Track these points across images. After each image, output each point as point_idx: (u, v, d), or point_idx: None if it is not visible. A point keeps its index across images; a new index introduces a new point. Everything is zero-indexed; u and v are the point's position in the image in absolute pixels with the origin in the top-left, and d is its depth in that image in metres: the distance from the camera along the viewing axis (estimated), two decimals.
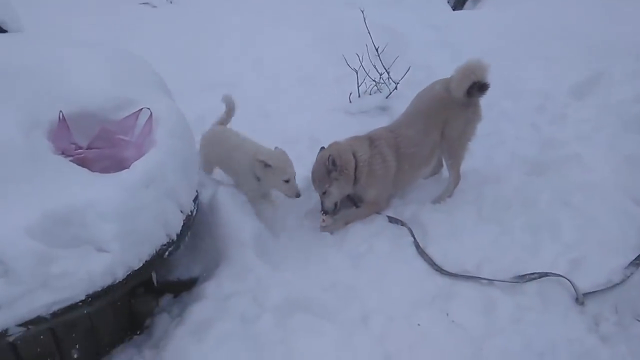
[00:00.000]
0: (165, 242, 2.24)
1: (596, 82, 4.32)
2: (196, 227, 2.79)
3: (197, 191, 2.65)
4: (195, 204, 2.57)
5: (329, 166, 3.02)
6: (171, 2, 7.32)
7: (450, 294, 2.63)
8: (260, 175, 3.03)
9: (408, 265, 2.80)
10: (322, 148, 3.18)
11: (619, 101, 3.99)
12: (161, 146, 2.35)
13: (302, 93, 4.78)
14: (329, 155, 3.01)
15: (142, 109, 2.45)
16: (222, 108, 4.56)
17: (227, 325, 2.35)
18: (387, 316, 2.50)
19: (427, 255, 2.82)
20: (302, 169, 3.29)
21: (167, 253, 2.26)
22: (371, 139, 3.17)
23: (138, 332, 2.57)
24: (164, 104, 2.56)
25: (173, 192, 2.32)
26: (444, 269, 2.75)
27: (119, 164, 2.31)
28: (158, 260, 2.21)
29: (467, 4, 6.66)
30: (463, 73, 3.04)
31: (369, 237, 3.04)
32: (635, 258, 2.54)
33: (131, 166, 2.25)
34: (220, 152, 3.26)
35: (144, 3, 7.18)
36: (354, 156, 3.08)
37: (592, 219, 2.89)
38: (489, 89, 3.12)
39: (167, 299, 2.71)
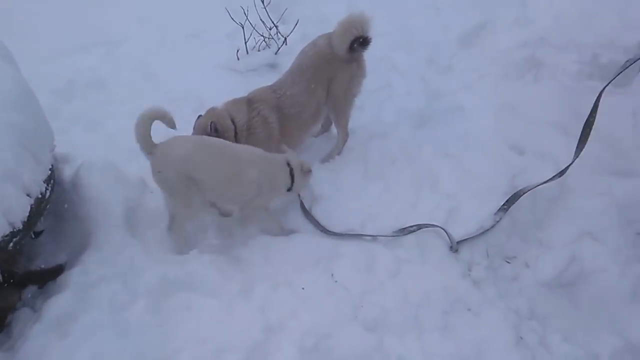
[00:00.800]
0: (7, 232, 2.00)
1: (482, 31, 4.38)
2: (57, 208, 2.55)
3: (51, 169, 2.38)
4: (48, 184, 2.31)
5: (212, 133, 2.81)
6: None
7: (335, 254, 2.62)
8: (301, 184, 2.77)
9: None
10: (200, 116, 2.98)
11: (503, 49, 4.08)
12: None
13: (189, 51, 4.49)
14: (211, 122, 2.81)
15: None
16: (99, 70, 4.20)
17: (94, 315, 2.19)
18: (271, 284, 2.46)
19: (312, 217, 2.77)
20: (189, 134, 3.08)
21: (11, 244, 2.02)
22: (250, 101, 3.00)
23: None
24: None
25: (13, 173, 2.06)
26: (329, 229, 2.73)
27: None
28: (1, 253, 1.97)
29: None
30: (344, 27, 2.92)
31: None
32: (504, 203, 2.65)
33: None
34: (217, 169, 2.61)
35: None
36: (232, 121, 2.91)
37: (469, 169, 2.97)
38: (371, 43, 3.02)
39: (31, 291, 2.48)
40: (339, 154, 3.29)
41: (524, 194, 2.64)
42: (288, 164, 2.69)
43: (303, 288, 2.44)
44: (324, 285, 2.47)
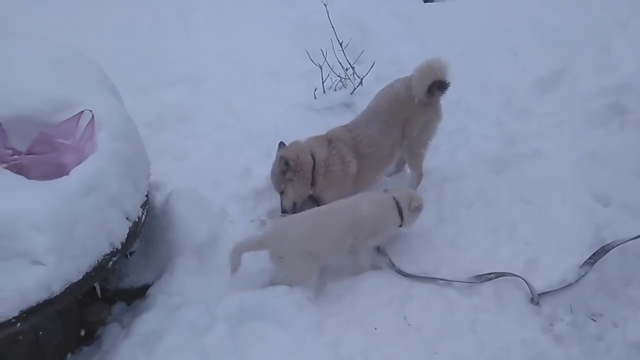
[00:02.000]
0: (108, 252, 2.16)
1: (561, 77, 4.32)
2: (148, 232, 2.71)
3: (147, 195, 2.56)
4: (144, 209, 2.48)
5: (282, 167, 2.97)
6: None
7: (408, 296, 2.60)
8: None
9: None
10: (281, 143, 3.11)
11: (582, 96, 4.00)
12: (103, 151, 2.25)
13: (268, 88, 4.69)
14: (281, 157, 2.97)
15: (83, 111, 2.33)
16: (185, 104, 4.48)
17: (177, 336, 2.29)
18: (343, 321, 2.47)
19: (386, 256, 2.78)
20: (268, 169, 3.21)
21: (110, 263, 2.17)
22: (330, 140, 3.11)
23: (89, 343, 2.50)
24: (108, 104, 2.46)
25: (117, 199, 2.23)
26: (402, 270, 2.72)
27: (58, 170, 2.21)
28: (101, 271, 2.12)
29: None
30: (423, 72, 2.99)
31: None
32: (590, 257, 2.54)
33: (70, 172, 2.15)
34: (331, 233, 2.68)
35: None
36: (312, 157, 3.02)
37: (550, 217, 2.89)
38: (449, 87, 3.07)
39: (120, 307, 2.64)
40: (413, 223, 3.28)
41: (612, 248, 2.53)
42: (396, 202, 2.76)
43: (375, 328, 2.43)
44: (396, 327, 2.45)
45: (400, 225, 2.81)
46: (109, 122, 2.36)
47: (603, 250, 2.53)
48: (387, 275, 2.74)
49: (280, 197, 3.10)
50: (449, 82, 3.07)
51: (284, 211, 3.09)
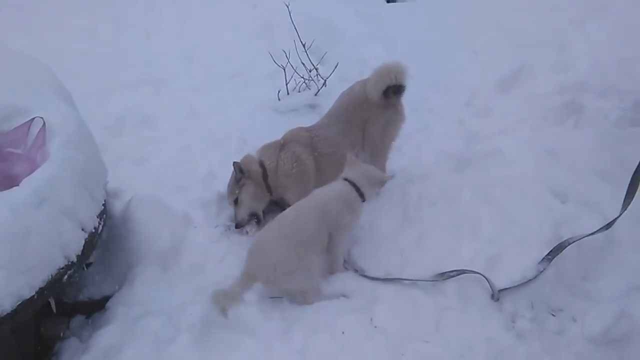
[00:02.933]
0: (63, 265, 2.08)
1: (520, 75, 4.41)
2: (106, 242, 2.64)
3: (104, 204, 2.48)
4: (101, 218, 2.41)
5: (237, 174, 3.01)
6: None
7: (374, 298, 2.61)
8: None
9: (331, 272, 2.75)
10: (235, 163, 3.09)
11: (541, 94, 4.09)
12: (55, 159, 2.17)
13: (232, 90, 4.64)
14: (234, 163, 3.02)
15: (34, 118, 2.25)
16: (146, 107, 4.37)
17: (139, 348, 2.23)
18: (310, 326, 2.45)
19: (348, 263, 2.79)
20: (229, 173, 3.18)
21: (66, 277, 2.10)
22: (283, 143, 3.15)
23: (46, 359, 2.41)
24: (61, 111, 2.38)
25: (71, 210, 2.16)
26: (368, 273, 2.73)
27: (9, 181, 2.12)
28: (55, 285, 2.05)
29: None
30: (378, 76, 3.02)
31: None
32: (548, 253, 2.60)
33: (21, 183, 2.07)
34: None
35: None
36: (262, 166, 3.05)
37: (511, 215, 2.94)
38: (405, 90, 3.10)
39: (78, 320, 2.56)
40: (377, 195, 3.31)
41: (569, 244, 2.59)
42: (350, 182, 2.73)
43: (343, 332, 2.42)
44: (364, 330, 2.44)
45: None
46: (62, 129, 2.28)
47: (560, 247, 2.59)
48: (353, 278, 2.74)
49: (235, 208, 3.06)
50: (404, 86, 3.09)
51: (238, 225, 3.05)
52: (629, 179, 2.64)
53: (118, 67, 4.96)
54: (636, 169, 2.58)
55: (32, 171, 2.13)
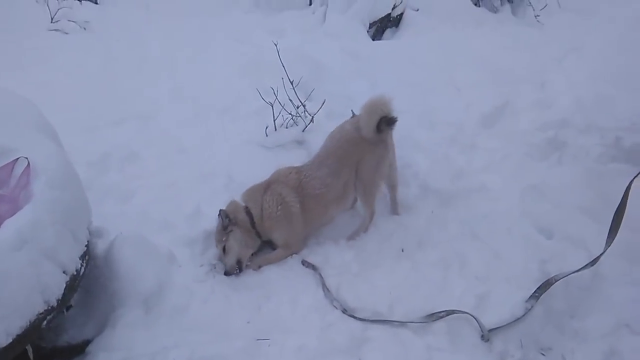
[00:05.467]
0: (42, 310, 2.02)
1: (503, 112, 4.50)
2: (89, 283, 2.58)
3: (87, 245, 2.44)
4: (83, 260, 2.36)
5: (224, 221, 3.01)
6: (85, 29, 6.97)
7: (364, 339, 2.57)
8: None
9: (320, 313, 2.71)
10: (221, 211, 3.08)
11: (524, 130, 4.17)
12: (39, 200, 2.13)
13: (220, 125, 4.65)
14: (221, 210, 3.02)
15: (18, 158, 2.22)
16: (133, 143, 4.34)
17: None
18: None
19: (337, 302, 2.75)
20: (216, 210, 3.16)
21: (45, 322, 2.03)
22: (268, 184, 3.15)
23: None
24: (45, 150, 2.35)
25: (53, 252, 2.11)
26: (356, 313, 2.70)
27: None
28: (33, 332, 1.98)
29: (386, 34, 6.82)
30: (368, 110, 3.05)
31: (285, 284, 2.93)
32: (535, 291, 2.60)
33: (2, 225, 2.02)
34: None
35: (54, 29, 6.78)
36: (249, 213, 3.06)
37: (497, 251, 2.96)
38: (397, 122, 3.14)
39: None
40: (365, 231, 3.31)
41: (555, 282, 2.60)
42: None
43: None
44: None
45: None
46: (46, 169, 2.25)
47: (547, 284, 2.60)
48: (341, 318, 2.70)
49: (223, 257, 3.04)
50: (396, 117, 3.14)
51: (227, 273, 3.02)
52: (612, 215, 2.68)
53: (105, 103, 4.96)
54: (618, 205, 2.61)
55: (15, 212, 2.09)
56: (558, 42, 6.03)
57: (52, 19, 6.79)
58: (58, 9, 6.84)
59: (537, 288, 2.61)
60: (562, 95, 4.71)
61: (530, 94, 4.76)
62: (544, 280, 2.64)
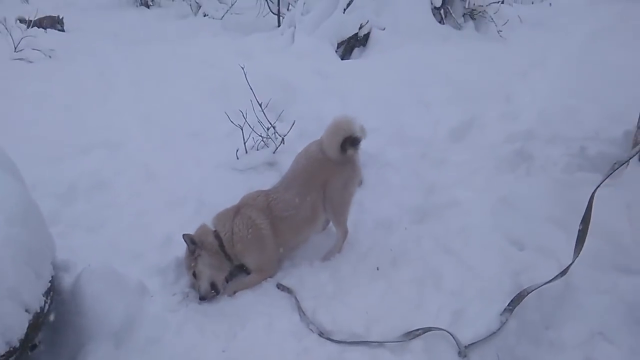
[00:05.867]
0: (4, 352, 1.93)
1: (470, 126, 4.60)
2: (54, 320, 2.48)
3: (51, 280, 2.35)
4: (47, 296, 2.27)
5: (189, 245, 2.97)
6: (50, 57, 6.87)
7: None
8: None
9: (296, 338, 2.66)
10: (184, 235, 3.03)
11: (491, 143, 4.26)
12: None
13: (190, 150, 4.60)
14: (184, 235, 2.97)
15: None
16: (101, 171, 4.25)
17: None
18: None
19: (314, 325, 2.71)
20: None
21: None
22: (237, 208, 3.13)
23: None
24: (3, 186, 2.28)
25: (14, 291, 2.02)
26: (333, 336, 2.66)
27: None
28: None
29: (354, 53, 6.91)
30: (331, 131, 3.07)
31: (260, 309, 2.88)
32: (508, 304, 2.61)
33: None
34: None
35: (18, 59, 6.67)
36: (218, 236, 3.03)
37: (471, 266, 2.97)
38: (361, 142, 3.15)
39: None
40: (339, 251, 3.29)
41: (527, 294, 2.62)
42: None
43: None
44: None
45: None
46: (4, 206, 2.18)
47: (520, 297, 2.61)
48: (318, 342, 2.65)
49: (195, 282, 2.99)
50: (360, 137, 3.15)
51: (202, 298, 2.95)
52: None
53: (72, 132, 4.87)
54: (584, 214, 2.66)
55: None
56: (521, 56, 6.23)
57: (15, 48, 6.68)
58: (22, 38, 6.74)
59: (511, 301, 2.62)
60: (527, 108, 4.85)
61: (496, 108, 4.88)
62: (517, 293, 2.65)
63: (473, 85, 5.27)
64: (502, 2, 7.65)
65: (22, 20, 8.25)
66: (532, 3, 9.92)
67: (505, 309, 2.59)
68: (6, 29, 6.74)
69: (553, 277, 2.64)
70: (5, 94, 5.69)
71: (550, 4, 9.30)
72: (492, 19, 7.26)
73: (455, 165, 4.09)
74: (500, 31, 7.13)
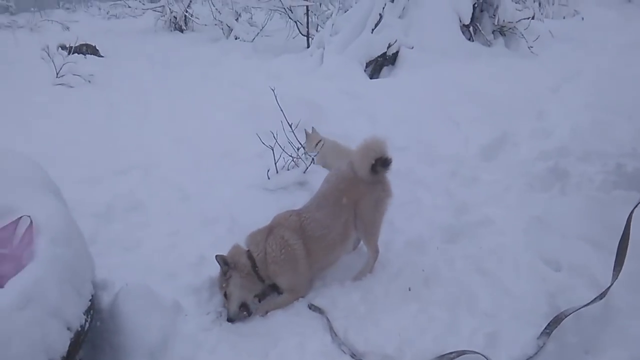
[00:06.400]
0: None
1: (502, 143, 4.55)
2: (94, 337, 2.55)
3: (91, 299, 2.43)
4: (88, 315, 2.35)
5: (221, 266, 3.00)
6: (89, 82, 7.17)
7: None
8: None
9: (328, 358, 2.65)
10: (217, 256, 3.07)
11: (523, 161, 4.21)
12: (42, 258, 2.14)
13: (222, 170, 4.71)
14: (216, 256, 3.01)
15: (21, 217, 2.25)
16: (136, 192, 4.39)
17: None
18: None
19: (346, 346, 2.70)
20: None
21: None
22: (270, 228, 3.15)
23: None
24: (48, 208, 2.38)
25: (57, 309, 2.10)
26: (365, 358, 2.64)
27: None
28: None
29: (383, 72, 6.97)
30: (362, 152, 3.08)
31: (292, 329, 2.89)
32: (546, 326, 2.55)
33: (6, 284, 2.03)
34: None
35: (59, 84, 6.98)
36: (251, 257, 3.05)
37: (506, 286, 2.91)
38: (392, 163, 3.15)
39: None
40: (370, 272, 3.28)
41: (565, 317, 2.54)
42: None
43: None
44: None
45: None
46: (49, 227, 2.27)
47: (557, 320, 2.54)
48: None
49: (226, 302, 3.03)
50: (391, 158, 3.15)
51: (230, 319, 2.97)
52: (617, 244, 2.65)
53: (108, 153, 5.05)
54: (622, 234, 2.59)
55: (17, 271, 2.09)
56: (552, 72, 6.16)
57: (57, 73, 7.00)
58: (63, 64, 7.07)
59: (548, 324, 2.55)
60: (560, 124, 4.77)
61: (528, 124, 4.82)
62: (554, 316, 2.58)
63: (504, 102, 5.23)
64: (533, 18, 7.60)
65: (63, 47, 8.66)
66: (564, 18, 9.81)
67: (542, 332, 2.53)
68: (49, 55, 7.08)
69: (592, 299, 2.57)
70: (48, 117, 5.98)
71: (582, 19, 9.18)
72: (522, 35, 7.21)
73: (486, 183, 4.05)
74: (531, 47, 7.07)
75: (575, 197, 3.61)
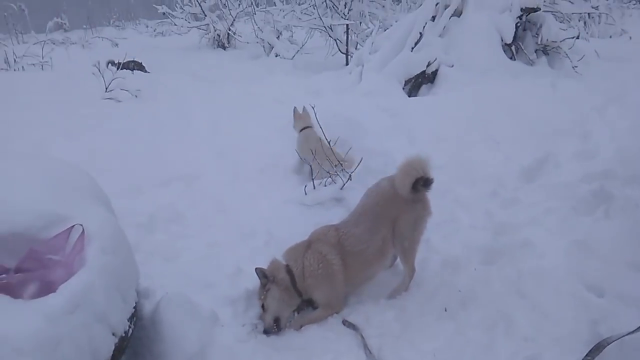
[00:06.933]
0: None
1: (544, 164, 4.46)
2: (135, 344, 2.65)
3: (135, 306, 2.53)
4: (131, 322, 2.44)
5: (261, 279, 3.06)
6: (136, 97, 7.47)
7: None
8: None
9: None
10: (257, 269, 3.14)
11: (566, 183, 4.10)
12: (92, 265, 2.25)
13: (259, 185, 4.80)
14: (256, 269, 3.07)
15: (74, 225, 2.38)
16: (177, 203, 4.53)
17: None
18: None
19: None
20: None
21: None
22: (308, 243, 3.19)
23: None
24: (99, 217, 2.50)
25: (104, 315, 2.20)
26: None
27: (47, 288, 2.20)
28: None
29: (422, 90, 6.97)
30: (404, 170, 3.09)
31: (326, 345, 2.91)
32: (587, 354, 2.47)
33: (58, 289, 2.14)
34: None
35: (108, 98, 7.30)
36: (290, 272, 3.09)
37: (545, 311, 2.84)
38: (433, 182, 3.15)
39: None
40: (406, 290, 3.27)
41: (608, 344, 2.46)
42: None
43: None
44: None
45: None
46: (99, 235, 2.39)
47: (599, 347, 2.46)
48: None
49: (263, 314, 3.08)
50: (432, 179, 3.15)
51: (266, 331, 3.02)
52: None
53: (152, 165, 5.23)
54: None
55: (69, 277, 2.21)
56: (598, 92, 5.99)
57: (106, 88, 7.33)
58: (112, 79, 7.39)
59: (589, 351, 2.47)
60: (605, 146, 4.63)
61: (572, 146, 4.71)
62: (596, 343, 2.50)
63: (546, 122, 5.13)
64: (578, 37, 7.44)
65: (112, 63, 9.06)
66: (610, 37, 9.57)
67: (583, 359, 2.45)
68: (99, 71, 7.42)
69: (636, 327, 2.47)
70: (96, 130, 6.24)
71: (630, 38, 8.93)
72: (566, 54, 7.07)
73: (527, 205, 3.97)
74: (576, 66, 6.92)
75: (620, 221, 3.48)
